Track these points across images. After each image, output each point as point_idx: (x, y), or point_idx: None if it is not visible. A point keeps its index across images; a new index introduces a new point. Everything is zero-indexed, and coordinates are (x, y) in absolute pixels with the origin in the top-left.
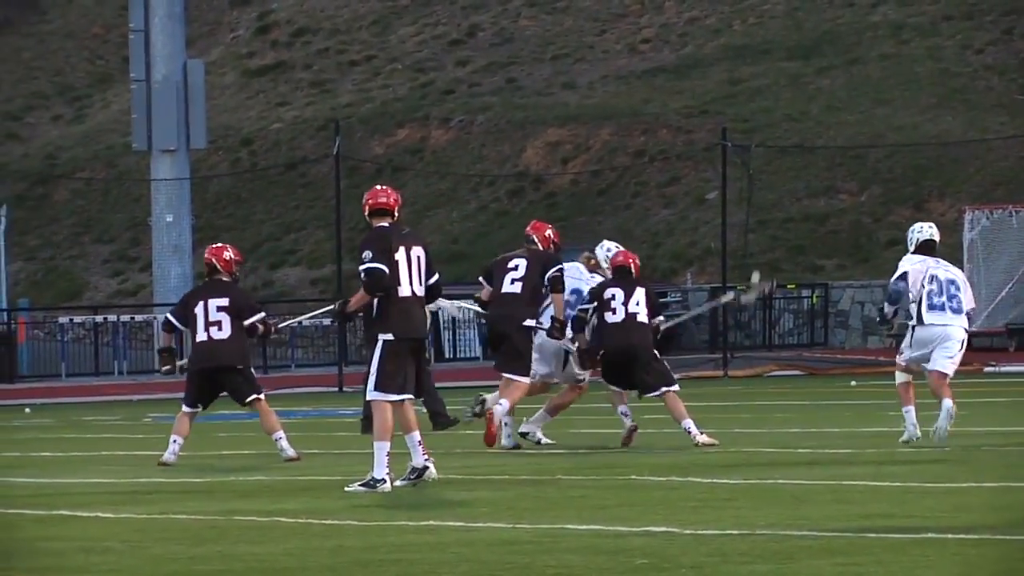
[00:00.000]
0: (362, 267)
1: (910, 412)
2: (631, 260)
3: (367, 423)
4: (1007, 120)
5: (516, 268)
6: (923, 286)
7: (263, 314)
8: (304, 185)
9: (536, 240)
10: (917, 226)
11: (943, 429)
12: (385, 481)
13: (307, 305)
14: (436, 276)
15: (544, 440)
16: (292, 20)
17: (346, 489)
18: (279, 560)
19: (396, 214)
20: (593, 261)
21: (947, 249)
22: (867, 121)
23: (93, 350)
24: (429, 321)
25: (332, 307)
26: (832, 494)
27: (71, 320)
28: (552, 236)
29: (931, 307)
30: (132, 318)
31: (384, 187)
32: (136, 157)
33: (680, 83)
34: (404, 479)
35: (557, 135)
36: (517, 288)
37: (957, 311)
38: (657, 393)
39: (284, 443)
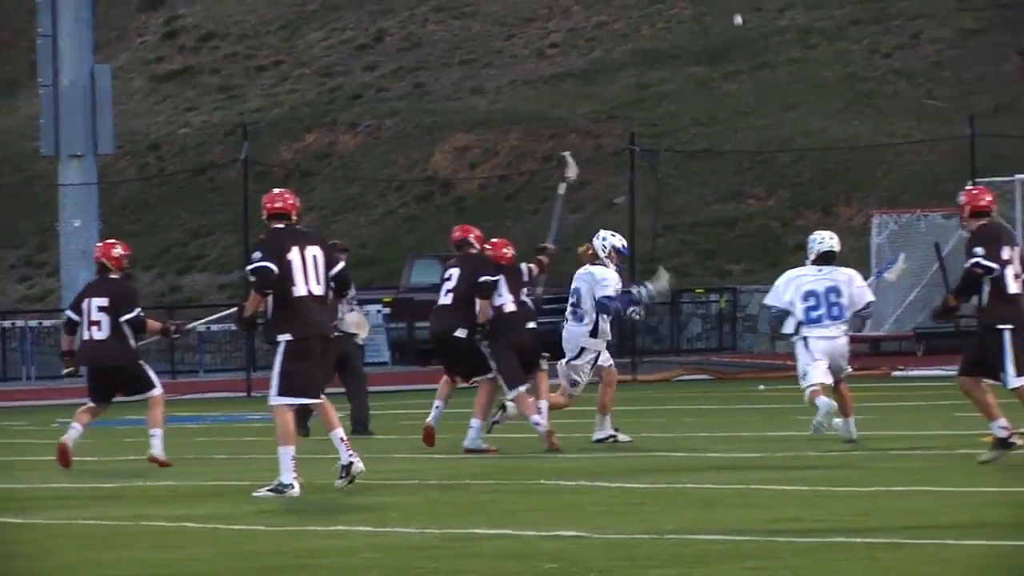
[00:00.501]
0: (250, 267)
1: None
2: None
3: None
4: (915, 124)
5: (450, 279)
6: (801, 302)
7: (136, 311)
8: (212, 190)
9: (472, 241)
10: (817, 236)
11: (823, 425)
12: (293, 485)
13: (215, 311)
14: (339, 266)
15: (623, 437)
16: (200, 25)
17: (254, 495)
18: (188, 566)
19: (294, 217)
20: (591, 251)
21: (855, 254)
22: (775, 125)
23: (1, 355)
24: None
25: (233, 309)
26: (741, 498)
27: None
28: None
29: (811, 322)
30: (40, 323)
31: (281, 191)
32: (44, 162)
33: (588, 88)
34: (340, 479)
35: (465, 140)
36: (449, 299)
37: (838, 317)
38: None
39: (157, 442)
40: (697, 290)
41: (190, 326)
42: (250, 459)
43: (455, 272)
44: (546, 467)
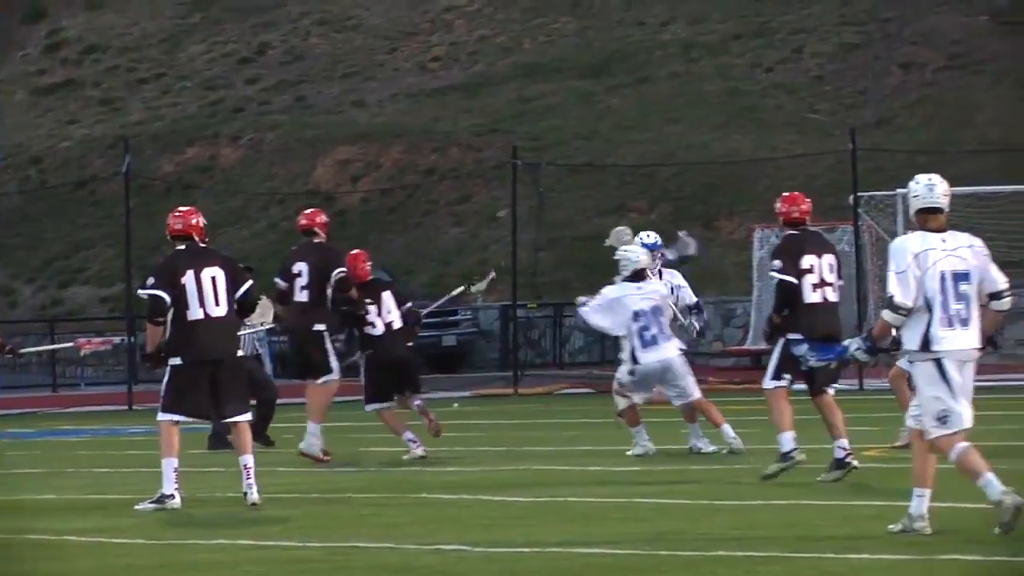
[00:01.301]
0: (142, 292)
1: (640, 431)
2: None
3: (216, 439)
4: (796, 138)
5: (300, 275)
6: (632, 321)
7: None
8: (94, 203)
9: (317, 231)
10: (631, 251)
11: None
12: (174, 497)
13: (95, 324)
14: (245, 288)
15: (707, 449)
16: (82, 38)
17: (136, 508)
18: None
19: (196, 237)
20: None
21: (737, 268)
22: (657, 139)
23: None
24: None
25: (69, 344)
26: (623, 512)
27: None
28: (326, 220)
29: (644, 344)
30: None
31: (185, 211)
32: None
33: (470, 101)
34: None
35: (347, 153)
36: (305, 296)
37: (668, 337)
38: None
39: None
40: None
41: (23, 351)
42: (132, 472)
43: (303, 267)
44: (428, 481)
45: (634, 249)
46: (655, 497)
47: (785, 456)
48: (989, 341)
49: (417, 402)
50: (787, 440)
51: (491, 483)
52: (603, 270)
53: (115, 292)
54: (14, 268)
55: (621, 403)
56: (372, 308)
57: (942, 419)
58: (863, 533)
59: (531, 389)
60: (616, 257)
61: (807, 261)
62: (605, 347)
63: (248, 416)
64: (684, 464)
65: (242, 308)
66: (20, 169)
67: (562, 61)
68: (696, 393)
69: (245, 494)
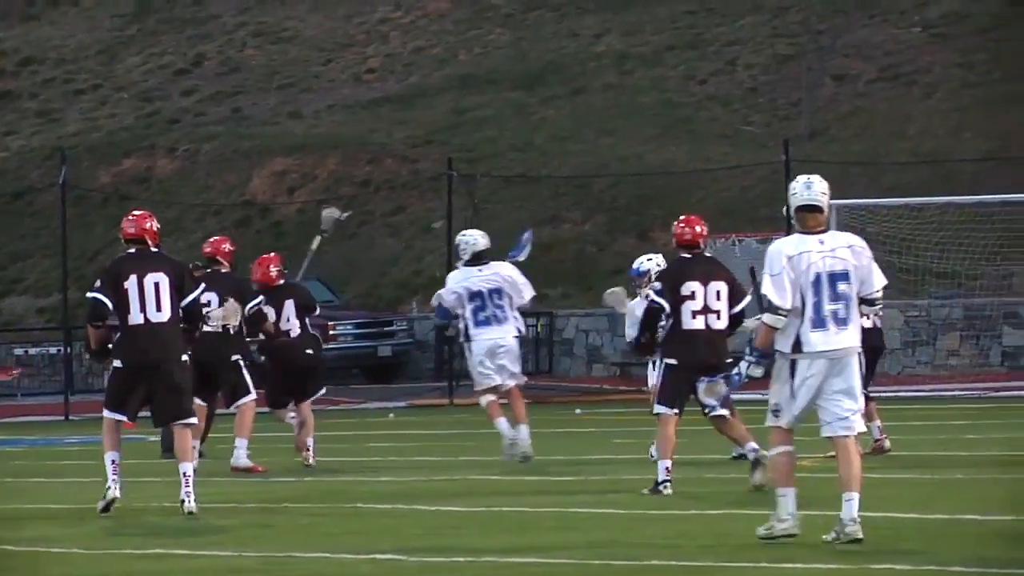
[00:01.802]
0: (88, 294)
1: (501, 423)
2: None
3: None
4: (730, 150)
5: (210, 304)
6: (468, 301)
7: None
8: (31, 214)
9: (220, 260)
10: (469, 235)
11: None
12: (111, 488)
13: (32, 334)
14: (191, 297)
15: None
16: (19, 49)
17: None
18: None
19: (149, 241)
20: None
21: None
22: (592, 151)
23: None
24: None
25: None
26: (557, 521)
27: None
28: (231, 249)
29: (477, 323)
30: None
31: (139, 215)
32: None
33: (406, 113)
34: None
35: (283, 164)
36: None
37: (504, 320)
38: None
39: None
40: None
41: None
42: (69, 482)
43: (213, 297)
44: (363, 490)
45: (472, 233)
46: (589, 507)
47: (655, 485)
48: None
49: (291, 416)
50: (662, 469)
51: (426, 493)
52: (538, 279)
53: (52, 303)
54: None
55: (483, 400)
56: (271, 312)
57: (775, 411)
58: (798, 542)
59: (466, 400)
60: (456, 242)
61: (689, 287)
62: (540, 357)
63: (188, 421)
64: (618, 474)
65: (188, 316)
66: None
67: (496, 73)
68: (521, 380)
69: (182, 502)
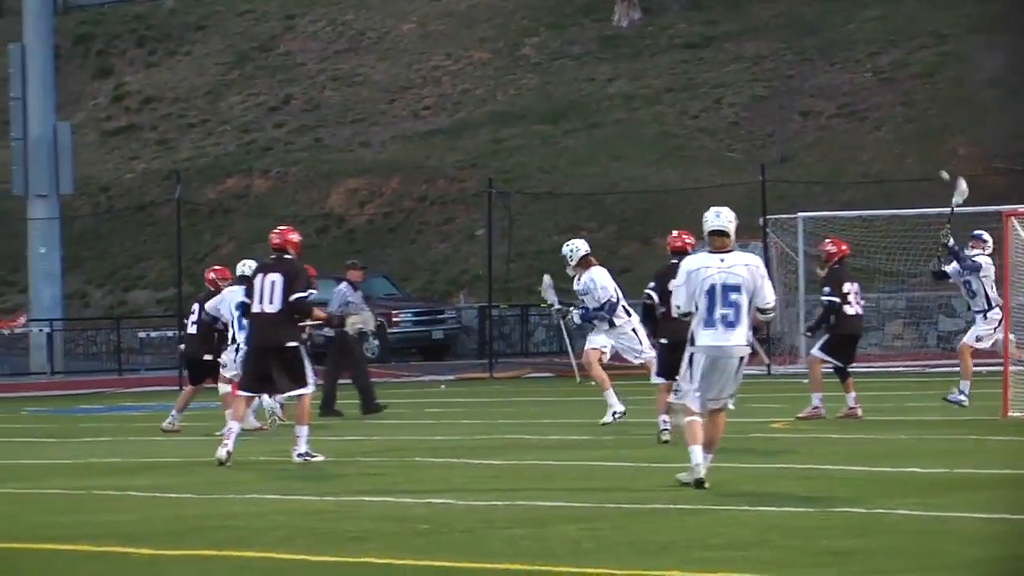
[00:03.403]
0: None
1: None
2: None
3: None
4: (716, 172)
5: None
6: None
7: None
8: (151, 224)
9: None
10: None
11: None
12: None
13: (151, 320)
14: (298, 295)
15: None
16: (142, 90)
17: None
18: (131, 526)
19: (290, 249)
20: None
21: None
22: (604, 173)
23: None
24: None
25: None
26: (578, 472)
27: None
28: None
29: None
30: (12, 331)
31: (281, 228)
32: (15, 201)
33: (454, 142)
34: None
35: (356, 183)
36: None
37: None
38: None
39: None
40: (543, 304)
41: None
42: (181, 440)
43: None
44: (420, 447)
45: (574, 242)
46: (604, 460)
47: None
48: (755, 331)
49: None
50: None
51: (471, 448)
52: (561, 278)
53: (168, 295)
54: (87, 276)
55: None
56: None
57: (675, 391)
58: (772, 491)
59: (503, 373)
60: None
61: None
62: (562, 339)
63: (304, 390)
64: (631, 433)
65: (293, 308)
66: (92, 196)
67: (527, 110)
68: None
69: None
